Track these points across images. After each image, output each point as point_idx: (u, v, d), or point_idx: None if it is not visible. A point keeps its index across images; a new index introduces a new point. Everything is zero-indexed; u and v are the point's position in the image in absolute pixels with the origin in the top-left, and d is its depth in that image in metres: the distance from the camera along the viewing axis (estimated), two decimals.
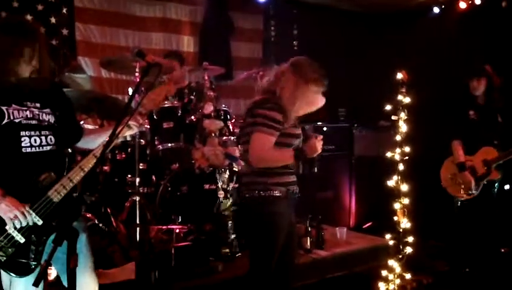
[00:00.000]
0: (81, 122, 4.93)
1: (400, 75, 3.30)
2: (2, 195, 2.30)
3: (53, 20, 5.68)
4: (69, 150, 4.31)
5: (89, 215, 4.42)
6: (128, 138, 4.88)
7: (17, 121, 2.43)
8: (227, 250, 4.34)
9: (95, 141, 2.70)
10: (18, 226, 2.34)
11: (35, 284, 2.02)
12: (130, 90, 5.11)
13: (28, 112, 2.47)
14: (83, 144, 2.81)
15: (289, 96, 2.99)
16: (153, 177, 4.96)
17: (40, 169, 2.41)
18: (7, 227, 2.33)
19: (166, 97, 2.80)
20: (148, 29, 6.54)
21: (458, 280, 4.62)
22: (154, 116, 4.79)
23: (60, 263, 2.27)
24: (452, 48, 6.64)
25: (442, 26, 6.86)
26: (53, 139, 2.54)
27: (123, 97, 5.61)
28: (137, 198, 4.43)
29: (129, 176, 4.76)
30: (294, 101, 2.98)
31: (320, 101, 3.13)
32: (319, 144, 2.99)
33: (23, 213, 2.32)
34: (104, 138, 2.54)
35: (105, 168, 4.82)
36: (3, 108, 2.41)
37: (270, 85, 3.08)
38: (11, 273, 2.35)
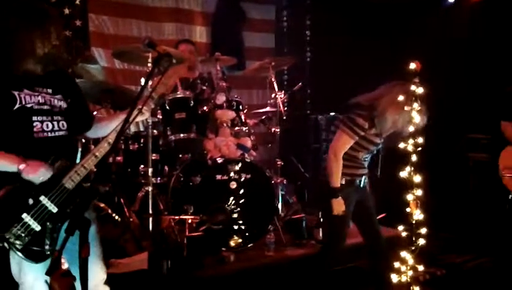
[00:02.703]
0: (94, 113, 4.99)
1: (413, 65, 3.26)
2: (23, 160, 2.32)
3: (67, 11, 5.70)
4: (83, 140, 4.36)
5: (102, 205, 4.45)
6: (141, 129, 4.90)
7: (28, 106, 2.42)
8: (239, 241, 4.35)
9: (105, 127, 2.70)
10: (33, 205, 2.36)
11: (48, 273, 2.03)
12: (143, 80, 5.13)
13: (39, 97, 2.46)
14: (94, 131, 2.81)
15: (382, 110, 3.42)
16: (166, 168, 4.98)
17: (52, 154, 2.42)
18: (23, 215, 2.34)
19: (176, 80, 2.79)
20: (160, 20, 6.55)
21: (472, 272, 4.59)
22: (167, 107, 4.80)
23: (69, 253, 2.28)
24: (467, 37, 6.56)
25: (457, 16, 6.78)
26: (65, 124, 2.53)
27: (136, 88, 5.62)
28: (150, 188, 4.45)
29: (142, 166, 4.78)
30: (385, 116, 3.42)
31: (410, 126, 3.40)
32: (338, 208, 3.48)
33: (47, 171, 2.35)
34: (114, 124, 2.54)
35: (118, 158, 4.85)
36: (15, 93, 2.40)
37: (374, 95, 3.54)
38: (27, 259, 2.36)
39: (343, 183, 3.52)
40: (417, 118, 3.26)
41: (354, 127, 3.45)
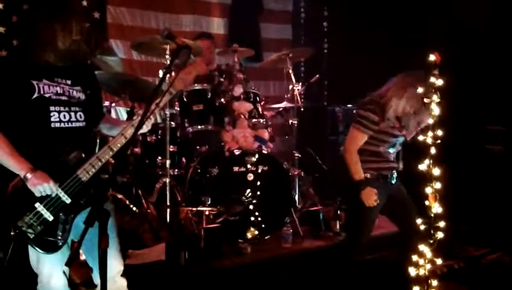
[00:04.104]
0: (113, 104, 5.03)
1: (432, 57, 3.22)
2: (31, 169, 2.33)
3: (85, 3, 5.69)
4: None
5: (120, 196, 4.49)
6: (159, 120, 4.93)
7: (47, 96, 2.43)
8: (256, 232, 4.36)
9: (110, 130, 2.72)
10: (45, 195, 2.36)
11: (68, 264, 2.06)
12: (161, 73, 5.15)
13: (58, 88, 2.48)
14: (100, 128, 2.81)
15: (387, 100, 3.45)
16: (183, 160, 5.00)
17: (69, 145, 2.43)
18: (36, 205, 2.37)
19: (196, 76, 2.78)
20: (178, 12, 6.56)
21: (490, 265, 4.55)
22: (184, 99, 4.81)
23: (86, 244, 2.30)
24: (486, 28, 6.46)
25: (476, 7, 6.68)
26: (83, 116, 2.55)
27: (154, 79, 5.65)
28: (168, 180, 4.48)
29: (159, 158, 4.80)
30: (389, 104, 3.44)
31: (425, 118, 3.35)
32: (369, 199, 3.46)
33: (51, 187, 2.35)
34: (117, 131, 2.55)
35: (136, 150, 4.88)
36: (34, 82, 2.41)
37: (384, 89, 3.55)
38: (38, 249, 2.39)
39: (369, 177, 3.53)
40: (436, 111, 3.23)
41: (365, 122, 3.48)
